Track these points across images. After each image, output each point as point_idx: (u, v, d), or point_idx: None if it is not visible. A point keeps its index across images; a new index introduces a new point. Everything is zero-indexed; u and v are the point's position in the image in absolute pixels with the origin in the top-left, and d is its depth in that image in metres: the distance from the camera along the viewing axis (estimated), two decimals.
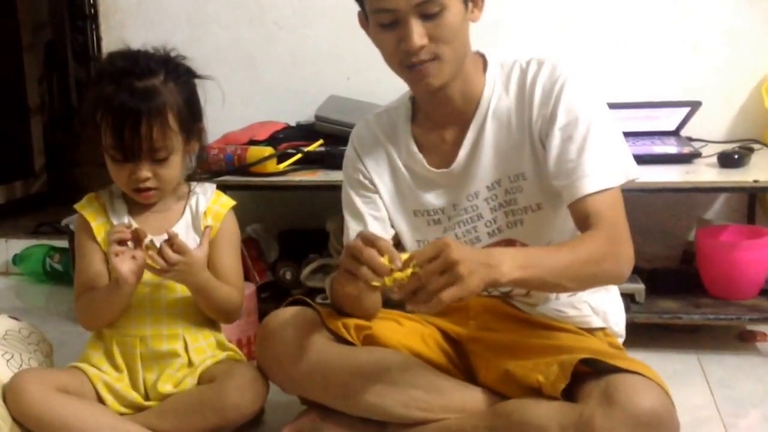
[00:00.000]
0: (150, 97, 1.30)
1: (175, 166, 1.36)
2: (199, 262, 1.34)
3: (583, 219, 1.17)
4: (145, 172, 1.33)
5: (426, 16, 1.16)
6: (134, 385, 1.39)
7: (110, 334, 1.41)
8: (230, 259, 1.43)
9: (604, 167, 1.18)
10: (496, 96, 1.27)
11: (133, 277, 1.31)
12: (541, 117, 1.23)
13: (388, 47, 1.20)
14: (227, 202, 1.46)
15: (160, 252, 1.30)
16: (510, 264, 1.06)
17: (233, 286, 1.42)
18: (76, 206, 1.43)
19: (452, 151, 1.29)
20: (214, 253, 1.41)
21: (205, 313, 1.43)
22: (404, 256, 1.05)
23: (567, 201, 1.20)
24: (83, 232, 1.42)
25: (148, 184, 1.35)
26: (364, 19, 1.24)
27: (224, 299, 1.40)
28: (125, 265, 1.30)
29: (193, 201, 1.44)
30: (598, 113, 1.21)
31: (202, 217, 1.42)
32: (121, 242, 1.30)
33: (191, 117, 1.37)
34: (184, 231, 1.41)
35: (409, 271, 1.03)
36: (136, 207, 1.42)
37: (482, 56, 1.30)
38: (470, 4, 1.21)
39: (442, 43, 1.17)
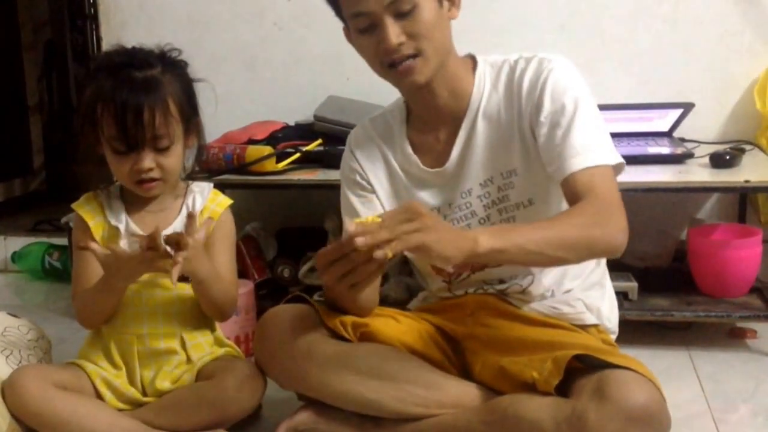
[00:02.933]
0: (150, 86, 1.31)
1: (176, 156, 1.36)
2: (200, 247, 1.34)
3: (573, 195, 1.18)
4: (148, 162, 1.32)
5: (400, 15, 1.18)
6: (132, 383, 1.40)
7: (108, 332, 1.41)
8: (225, 255, 1.44)
9: (592, 148, 1.19)
10: (486, 94, 1.28)
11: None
12: (529, 107, 1.24)
13: (369, 51, 1.22)
14: (224, 200, 1.47)
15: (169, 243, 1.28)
16: (486, 234, 1.07)
17: (228, 282, 1.42)
18: (74, 205, 1.43)
19: (445, 151, 1.31)
20: (210, 250, 1.41)
21: (202, 310, 1.43)
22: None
23: (558, 181, 1.21)
24: (81, 232, 1.42)
25: (152, 174, 1.34)
26: (348, 32, 1.27)
27: (221, 293, 1.40)
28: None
29: (189, 200, 1.44)
30: (582, 100, 1.22)
31: (198, 215, 1.43)
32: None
33: (190, 107, 1.38)
34: (180, 229, 1.39)
35: (375, 216, 1.05)
36: (134, 206, 1.42)
37: (472, 57, 1.32)
38: (446, 2, 1.23)
39: (421, 38, 1.19)
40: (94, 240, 1.40)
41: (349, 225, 1.04)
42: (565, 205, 1.24)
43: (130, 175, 1.35)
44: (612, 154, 1.22)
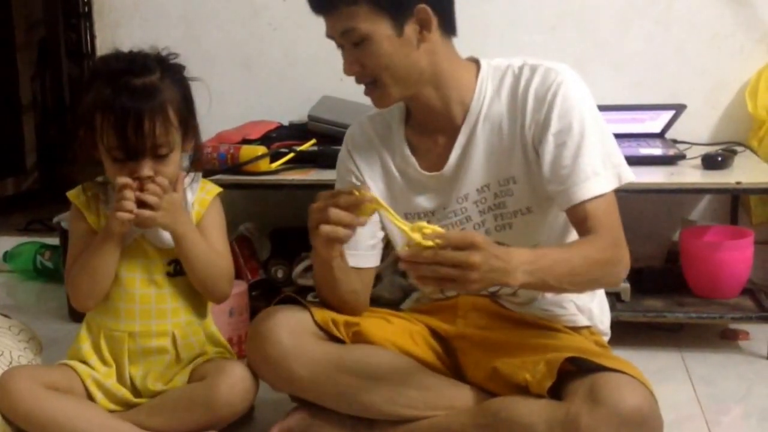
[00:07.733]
0: (150, 94, 1.30)
1: (174, 163, 1.35)
2: (178, 203, 1.35)
3: (582, 223, 1.19)
4: (147, 170, 1.31)
5: (354, 45, 1.20)
6: (120, 380, 1.39)
7: (99, 328, 1.41)
8: (217, 238, 1.42)
9: (599, 173, 1.20)
10: (487, 101, 1.28)
11: (124, 224, 1.31)
12: (534, 123, 1.24)
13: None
14: (213, 188, 1.46)
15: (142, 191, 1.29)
16: (522, 270, 1.08)
17: (221, 256, 1.41)
18: (69, 194, 1.42)
19: (444, 155, 1.30)
20: (201, 234, 1.40)
21: (195, 308, 1.42)
22: (437, 228, 1.05)
23: (563, 206, 1.21)
24: (77, 217, 1.41)
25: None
26: None
27: (210, 261, 1.38)
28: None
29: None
30: (590, 118, 1.22)
31: (191, 207, 1.42)
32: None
33: (188, 112, 1.38)
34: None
35: (430, 243, 1.03)
36: None
37: (476, 62, 1.31)
38: (412, 28, 1.20)
39: (376, 69, 1.21)
40: (88, 224, 1.39)
41: (403, 241, 1.06)
42: (562, 215, 1.25)
43: None
44: (617, 176, 1.22)
